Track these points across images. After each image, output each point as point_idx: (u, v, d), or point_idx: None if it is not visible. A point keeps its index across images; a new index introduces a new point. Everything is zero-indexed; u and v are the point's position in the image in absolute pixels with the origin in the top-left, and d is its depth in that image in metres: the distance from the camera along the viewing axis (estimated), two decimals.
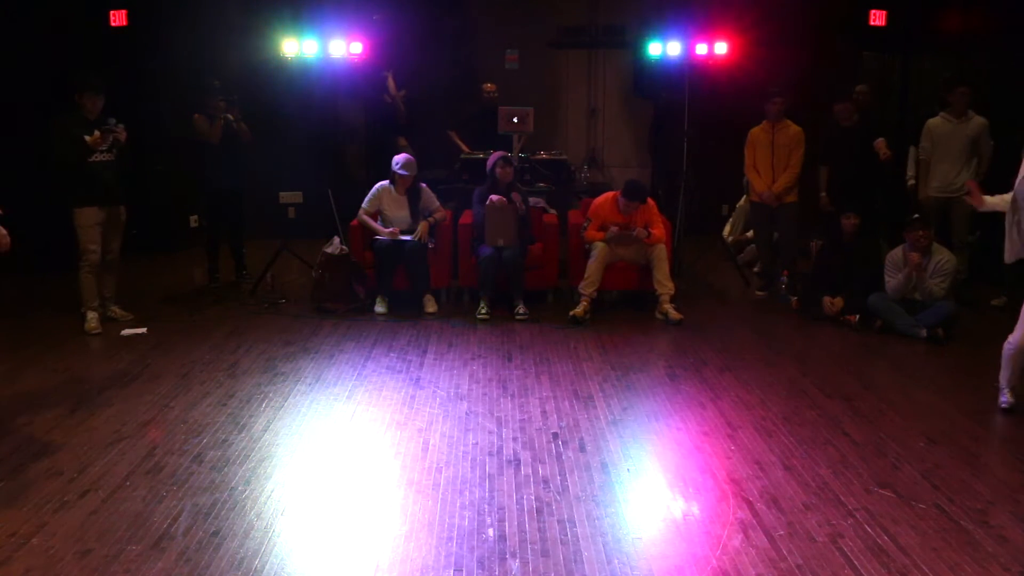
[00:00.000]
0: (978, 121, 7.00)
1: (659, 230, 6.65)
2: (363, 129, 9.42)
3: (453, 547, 3.26)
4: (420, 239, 6.73)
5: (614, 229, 6.57)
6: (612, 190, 7.02)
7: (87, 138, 5.91)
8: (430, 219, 6.88)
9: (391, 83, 8.59)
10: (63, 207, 6.13)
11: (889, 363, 5.72)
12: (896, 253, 6.26)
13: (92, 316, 6.18)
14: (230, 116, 7.35)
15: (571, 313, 6.48)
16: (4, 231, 4.50)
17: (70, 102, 6.03)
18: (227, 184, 7.51)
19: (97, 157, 6.03)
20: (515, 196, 6.72)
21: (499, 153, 6.95)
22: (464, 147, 8.51)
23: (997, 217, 7.04)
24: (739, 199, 8.91)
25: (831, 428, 4.48)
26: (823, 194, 7.29)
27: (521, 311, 6.62)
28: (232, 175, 7.51)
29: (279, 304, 7.00)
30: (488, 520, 3.47)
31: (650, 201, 6.80)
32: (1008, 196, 4.62)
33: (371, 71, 8.53)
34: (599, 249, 6.56)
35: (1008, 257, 4.68)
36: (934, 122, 7.22)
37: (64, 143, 5.94)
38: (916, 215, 6.23)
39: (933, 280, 6.04)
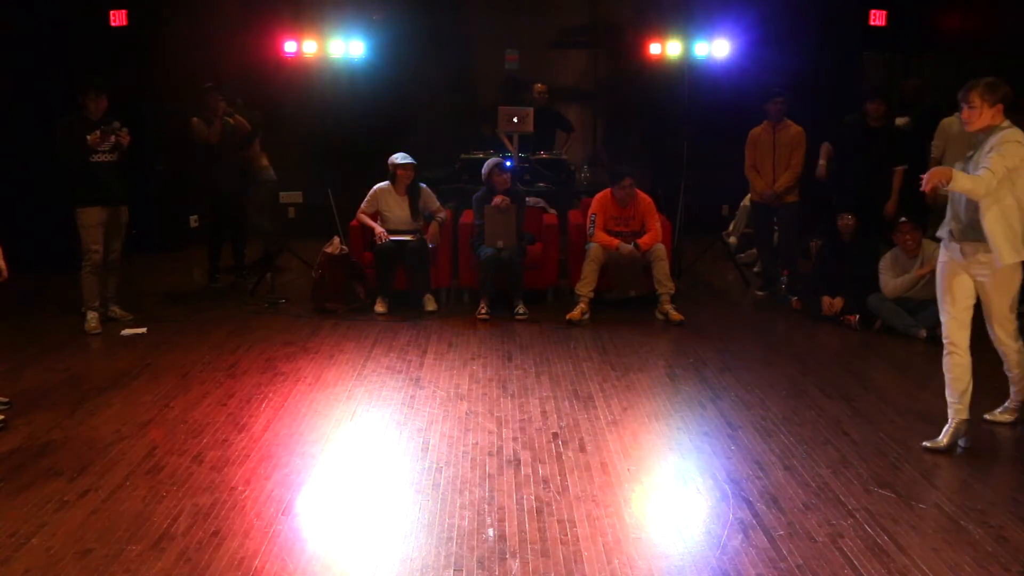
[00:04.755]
0: None
1: (655, 231, 6.63)
2: (363, 129, 9.41)
3: (453, 547, 3.26)
4: (432, 241, 6.75)
5: (627, 247, 6.53)
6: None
7: (88, 137, 5.93)
8: (437, 219, 6.88)
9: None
10: (64, 207, 6.13)
11: (889, 363, 5.72)
12: (888, 256, 6.30)
13: (92, 316, 6.18)
14: (229, 120, 7.35)
15: (567, 317, 6.47)
16: (3, 264, 4.66)
17: (74, 103, 6.04)
18: (232, 185, 7.52)
19: (99, 157, 6.04)
20: (505, 199, 6.67)
21: (493, 160, 6.94)
22: (510, 147, 8.36)
23: None
24: (739, 199, 8.91)
25: (831, 428, 4.48)
26: (822, 163, 7.34)
27: (521, 311, 6.62)
28: (237, 175, 7.51)
29: (279, 304, 7.00)
30: (488, 520, 3.47)
31: (649, 200, 6.80)
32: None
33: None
34: (593, 249, 6.55)
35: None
36: (948, 121, 7.23)
37: (66, 143, 5.95)
38: (903, 218, 6.26)
39: None
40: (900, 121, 7.91)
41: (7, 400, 4.67)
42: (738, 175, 7.88)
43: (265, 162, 8.16)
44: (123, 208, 6.29)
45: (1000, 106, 4.01)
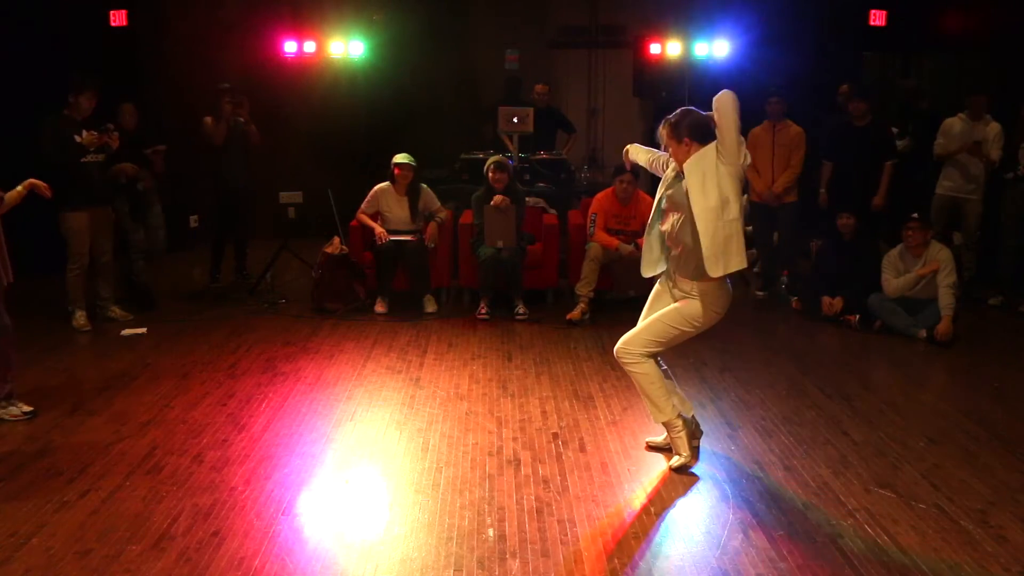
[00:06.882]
0: (994, 126, 7.04)
1: None
2: (363, 129, 9.43)
3: (453, 547, 3.26)
4: (431, 242, 6.74)
5: (627, 247, 6.52)
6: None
7: (78, 138, 5.89)
8: (436, 219, 6.88)
9: None
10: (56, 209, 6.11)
11: (889, 363, 5.72)
12: (893, 254, 6.29)
13: (80, 314, 6.17)
14: (240, 119, 7.36)
15: (567, 317, 6.47)
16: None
17: (64, 102, 5.99)
18: (238, 184, 7.53)
19: (88, 158, 6.01)
20: (504, 199, 6.64)
21: (492, 159, 6.94)
22: (511, 147, 8.34)
23: (997, 217, 7.10)
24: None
25: (831, 428, 4.48)
26: (822, 191, 7.29)
27: (521, 311, 6.62)
28: (243, 175, 7.53)
29: (279, 304, 7.00)
30: (488, 520, 3.47)
31: (650, 200, 6.78)
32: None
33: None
34: (593, 249, 6.55)
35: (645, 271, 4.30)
36: (951, 121, 7.26)
37: (54, 143, 5.87)
38: (915, 214, 6.25)
39: (939, 276, 6.05)
40: (900, 145, 7.90)
41: (31, 409, 4.62)
42: None
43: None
44: (109, 209, 6.27)
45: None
